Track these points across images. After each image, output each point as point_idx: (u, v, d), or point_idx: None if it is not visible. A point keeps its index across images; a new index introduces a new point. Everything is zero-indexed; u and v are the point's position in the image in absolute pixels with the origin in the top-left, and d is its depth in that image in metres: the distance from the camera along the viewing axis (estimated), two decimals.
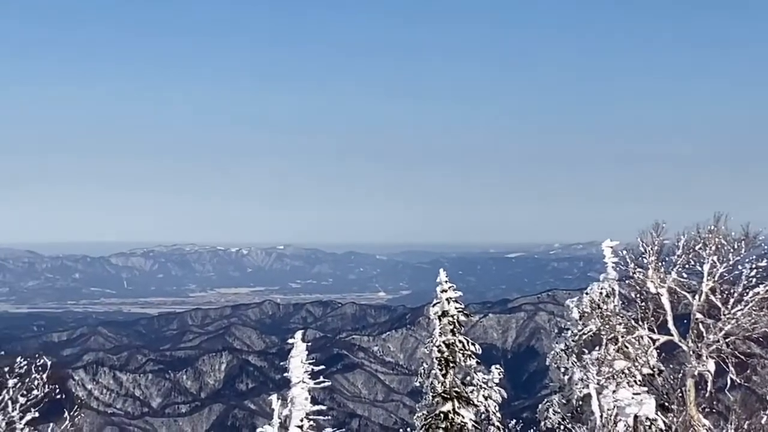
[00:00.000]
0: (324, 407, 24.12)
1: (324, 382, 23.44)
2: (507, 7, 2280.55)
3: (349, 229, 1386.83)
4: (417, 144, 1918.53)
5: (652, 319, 29.85)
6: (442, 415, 29.52)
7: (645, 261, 29.71)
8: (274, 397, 23.04)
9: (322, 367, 23.81)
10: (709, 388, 29.21)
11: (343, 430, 26.09)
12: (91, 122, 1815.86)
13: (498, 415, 33.03)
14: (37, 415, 23.95)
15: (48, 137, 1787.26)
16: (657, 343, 30.02)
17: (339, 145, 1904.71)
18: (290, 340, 23.51)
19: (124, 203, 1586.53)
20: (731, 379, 29.28)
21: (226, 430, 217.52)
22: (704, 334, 28.94)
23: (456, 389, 29.55)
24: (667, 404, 30.43)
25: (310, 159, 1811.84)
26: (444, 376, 29.41)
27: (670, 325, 29.58)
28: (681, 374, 29.87)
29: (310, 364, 23.26)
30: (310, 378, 23.30)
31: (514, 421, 37.70)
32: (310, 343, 24.30)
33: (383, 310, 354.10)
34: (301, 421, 22.98)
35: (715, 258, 29.08)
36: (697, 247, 29.28)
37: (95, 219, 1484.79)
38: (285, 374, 23.48)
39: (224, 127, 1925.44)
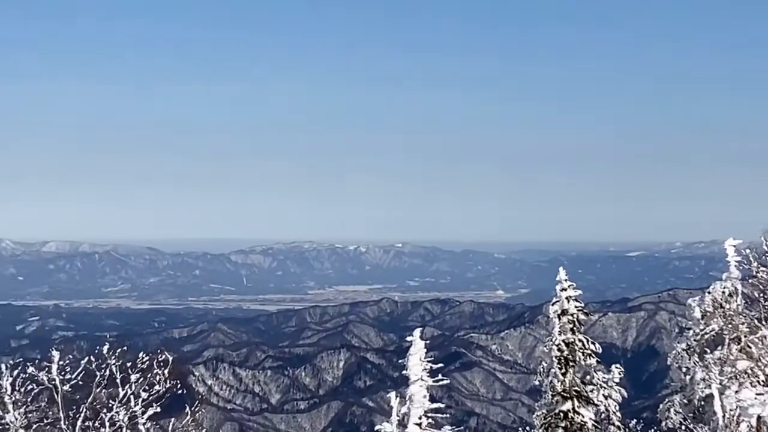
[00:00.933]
0: (442, 405, 23.96)
1: (442, 380, 23.27)
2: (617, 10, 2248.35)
3: (467, 227, 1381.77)
4: (535, 143, 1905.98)
5: None
6: (561, 414, 29.18)
7: None
8: (392, 395, 22.95)
9: (441, 365, 23.65)
10: None
11: (462, 428, 25.84)
12: (211, 123, 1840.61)
13: (618, 414, 32.59)
14: (159, 410, 24.23)
15: (172, 138, 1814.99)
16: None
17: (458, 145, 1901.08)
18: (408, 338, 23.41)
19: (244, 201, 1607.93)
20: None
21: (344, 427, 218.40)
22: None
23: (576, 388, 29.18)
24: None
25: (426, 158, 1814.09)
26: (563, 374, 29.07)
27: None
28: None
29: (428, 361, 23.13)
30: (428, 376, 23.16)
31: (635, 420, 37.22)
32: (428, 341, 24.17)
33: (501, 308, 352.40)
34: (420, 418, 22.86)
35: None
36: None
37: (216, 217, 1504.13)
38: (403, 372, 23.38)
39: (340, 127, 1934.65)
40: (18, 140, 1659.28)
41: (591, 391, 30.75)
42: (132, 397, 23.73)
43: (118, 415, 23.54)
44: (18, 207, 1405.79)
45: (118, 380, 23.76)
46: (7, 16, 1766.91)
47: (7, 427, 23.05)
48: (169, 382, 24.00)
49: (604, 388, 32.08)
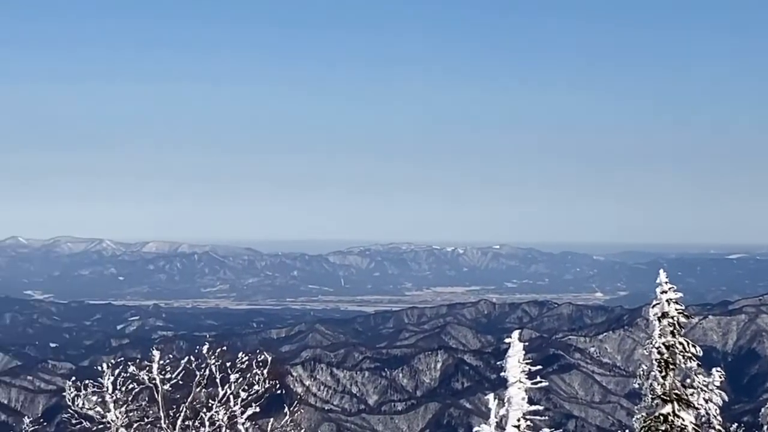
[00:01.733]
0: (541, 408, 23.79)
1: (541, 382, 23.11)
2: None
3: (565, 228, 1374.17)
4: (634, 143, 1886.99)
5: None
6: (661, 417, 28.84)
7: None
8: (490, 397, 22.83)
9: (539, 367, 23.47)
10: None
11: (560, 431, 25.67)
12: (309, 123, 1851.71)
13: (718, 418, 32.16)
14: (258, 410, 24.37)
15: (271, 138, 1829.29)
16: None
17: (556, 145, 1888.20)
18: (507, 340, 23.26)
19: (342, 203, 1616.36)
20: None
21: (441, 428, 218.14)
22: None
23: (676, 391, 28.82)
24: None
25: (523, 158, 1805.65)
26: (664, 378, 28.72)
27: None
28: None
29: (527, 363, 22.99)
30: (527, 378, 23.01)
31: (735, 424, 36.77)
32: (526, 343, 24.02)
33: (600, 310, 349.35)
34: (518, 421, 22.73)
35: None
36: None
37: (314, 218, 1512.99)
38: (501, 374, 23.26)
39: (440, 128, 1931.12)
40: (120, 142, 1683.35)
41: (691, 394, 30.36)
42: (231, 396, 23.91)
43: (218, 414, 23.73)
44: (119, 208, 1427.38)
45: (217, 380, 23.96)
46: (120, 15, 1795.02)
47: (109, 425, 23.37)
48: (268, 383, 24.13)
49: (705, 391, 31.68)
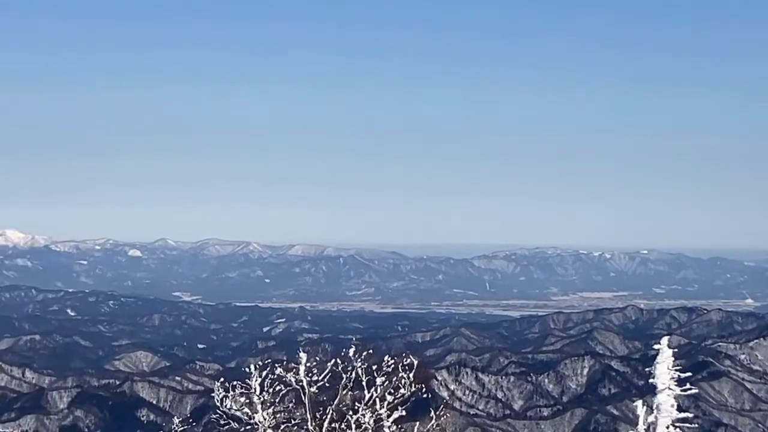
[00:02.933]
0: (690, 415, 23.40)
1: (690, 389, 22.71)
2: None
3: (714, 234, 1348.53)
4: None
5: None
6: None
7: None
8: (639, 403, 22.52)
9: (688, 374, 23.08)
10: None
11: None
12: (448, 126, 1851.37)
13: None
14: (404, 413, 24.37)
15: (416, 142, 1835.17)
16: None
17: (703, 149, 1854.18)
18: (656, 346, 22.90)
19: (487, 207, 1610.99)
20: None
21: None
22: None
23: None
24: None
25: (672, 162, 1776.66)
26: None
27: None
28: None
29: (676, 370, 22.58)
30: (676, 385, 22.62)
31: None
32: (675, 350, 23.63)
33: (751, 317, 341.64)
34: (667, 428, 22.35)
35: None
36: None
37: (458, 222, 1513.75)
38: (649, 380, 22.90)
39: (578, 129, 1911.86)
40: (268, 145, 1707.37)
41: None
42: (377, 399, 23.95)
43: (364, 417, 23.80)
44: (266, 211, 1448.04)
45: (363, 383, 24.02)
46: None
47: (256, 426, 23.64)
48: (414, 386, 24.12)
49: None
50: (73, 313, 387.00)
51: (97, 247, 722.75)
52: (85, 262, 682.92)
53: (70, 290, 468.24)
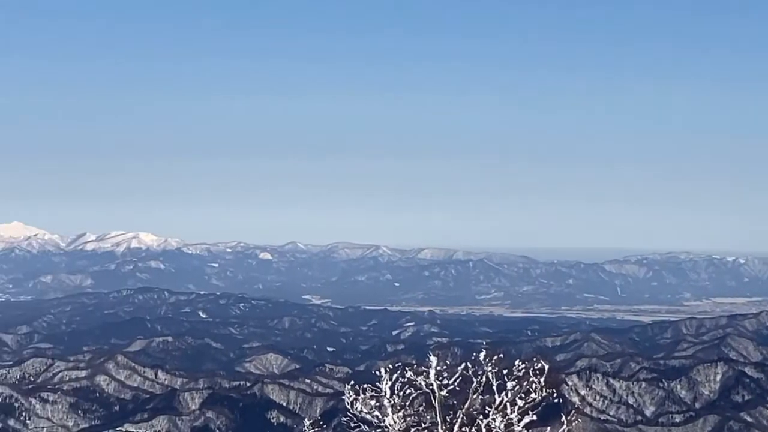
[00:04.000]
0: None
1: None
2: None
3: None
4: None
5: None
6: None
7: None
8: None
9: None
10: None
11: None
12: (581, 130, 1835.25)
13: None
14: (534, 418, 23.99)
15: (541, 149, 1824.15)
16: None
17: None
18: None
19: (618, 211, 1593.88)
20: None
21: None
22: None
23: None
24: None
25: None
26: None
27: None
28: None
29: None
30: None
31: None
32: None
33: None
34: None
35: None
36: None
37: (589, 226, 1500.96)
38: None
39: (688, 130, 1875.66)
40: (397, 152, 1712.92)
41: None
42: (508, 404, 23.62)
43: (494, 422, 23.48)
44: (395, 215, 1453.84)
45: (494, 387, 23.71)
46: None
47: (386, 429, 23.49)
48: (545, 391, 23.73)
49: None
50: (204, 316, 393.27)
51: (229, 250, 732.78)
52: (216, 265, 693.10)
53: (202, 292, 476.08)
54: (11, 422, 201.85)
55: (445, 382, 23.70)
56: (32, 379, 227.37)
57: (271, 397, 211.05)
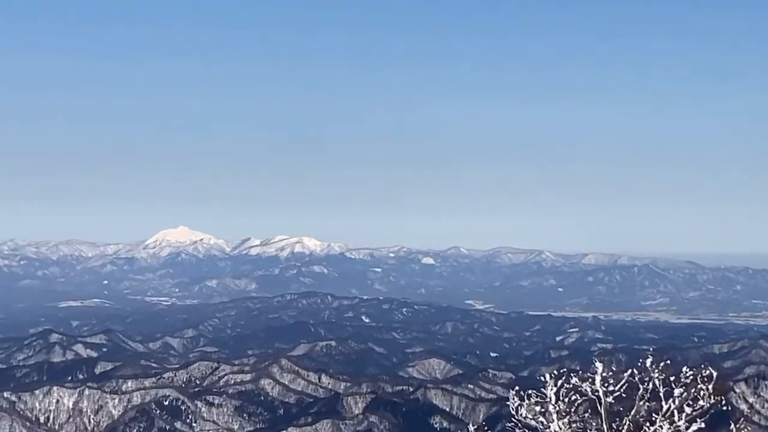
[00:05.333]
0: None
1: None
2: None
3: None
4: None
5: None
6: None
7: None
8: None
9: None
10: None
11: None
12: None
13: None
14: (702, 425, 23.70)
15: (716, 151, 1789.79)
16: None
17: None
18: None
19: None
20: None
21: None
22: None
23: None
24: None
25: None
26: None
27: None
28: None
29: None
30: None
31: None
32: None
33: None
34: None
35: None
36: None
37: (757, 230, 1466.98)
38: None
39: None
40: (557, 158, 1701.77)
41: None
42: (675, 411, 23.37)
43: (661, 429, 23.26)
44: (558, 220, 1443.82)
45: (660, 394, 23.48)
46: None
47: None
48: (713, 398, 23.41)
49: None
50: (367, 320, 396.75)
51: (391, 255, 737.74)
52: (379, 270, 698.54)
53: (365, 297, 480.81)
54: (177, 425, 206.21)
55: (610, 388, 23.59)
56: (198, 383, 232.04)
57: (434, 402, 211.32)
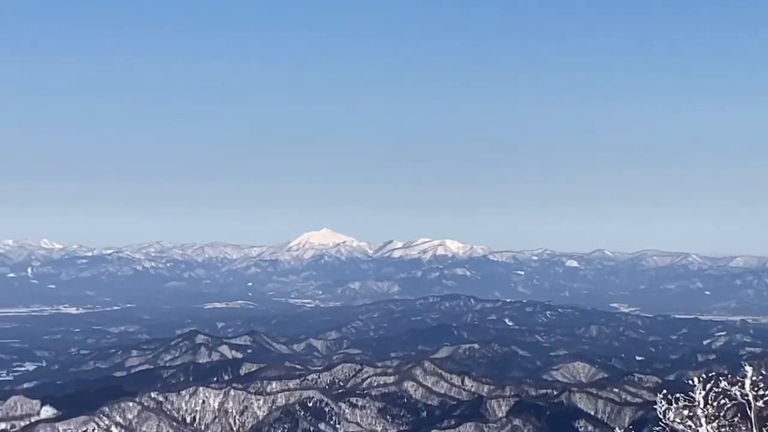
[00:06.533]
0: None
1: None
2: None
3: None
4: None
5: None
6: None
7: None
8: None
9: None
10: None
11: None
12: None
13: None
14: None
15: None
16: None
17: None
18: None
19: None
20: None
21: None
22: None
23: None
24: None
25: None
26: None
27: None
28: None
29: None
30: None
31: None
32: None
33: None
34: None
35: None
36: None
37: None
38: None
39: None
40: (703, 160, 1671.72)
41: None
42: None
43: None
44: (705, 222, 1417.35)
45: None
46: None
47: None
48: None
49: None
50: (510, 323, 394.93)
51: (534, 258, 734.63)
52: (522, 272, 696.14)
53: (508, 300, 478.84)
54: (321, 426, 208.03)
55: (761, 393, 23.07)
56: (342, 384, 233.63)
57: (578, 405, 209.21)
